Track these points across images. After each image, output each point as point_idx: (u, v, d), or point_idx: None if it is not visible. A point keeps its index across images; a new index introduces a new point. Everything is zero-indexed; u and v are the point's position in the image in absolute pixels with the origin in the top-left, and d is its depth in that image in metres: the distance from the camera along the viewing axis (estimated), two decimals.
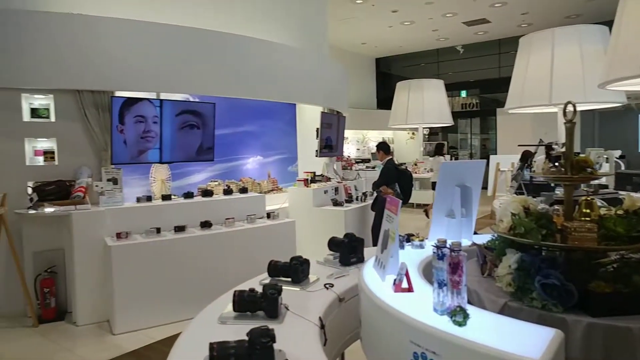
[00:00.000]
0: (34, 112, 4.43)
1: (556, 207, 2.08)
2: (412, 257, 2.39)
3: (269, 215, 5.08)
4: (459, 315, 1.48)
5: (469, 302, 1.63)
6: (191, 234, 4.41)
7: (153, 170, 5.13)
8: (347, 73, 7.95)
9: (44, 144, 4.50)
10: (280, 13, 6.99)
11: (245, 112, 6.21)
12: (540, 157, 3.92)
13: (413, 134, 14.17)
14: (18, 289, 4.19)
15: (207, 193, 5.02)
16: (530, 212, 2.00)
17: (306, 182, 6.17)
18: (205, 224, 4.58)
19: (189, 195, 4.90)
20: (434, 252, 1.62)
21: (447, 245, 1.59)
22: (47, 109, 4.46)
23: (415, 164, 11.07)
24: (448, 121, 10.03)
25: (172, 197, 4.81)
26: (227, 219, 4.72)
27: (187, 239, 4.33)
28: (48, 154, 4.48)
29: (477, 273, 2.27)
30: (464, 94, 15.36)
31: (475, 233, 2.81)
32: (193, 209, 4.73)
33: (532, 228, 1.89)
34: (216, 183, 5.64)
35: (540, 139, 4.91)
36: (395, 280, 1.87)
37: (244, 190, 5.35)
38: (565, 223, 1.88)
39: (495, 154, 12.85)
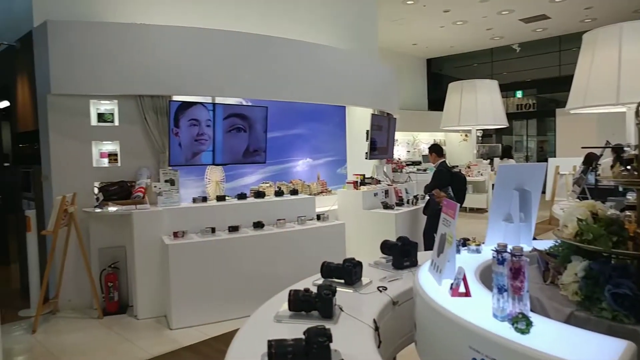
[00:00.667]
0: (100, 116, 4.70)
1: (627, 213, 1.96)
2: (468, 261, 2.33)
3: (319, 217, 5.12)
4: (521, 323, 1.42)
5: (531, 310, 1.57)
6: (244, 234, 4.52)
7: (208, 171, 5.30)
8: (398, 74, 7.87)
9: (109, 146, 4.76)
10: (330, 16, 7.03)
11: (296, 115, 6.29)
12: (606, 160, 3.70)
13: (466, 135, 13.79)
14: (86, 283, 4.45)
15: (259, 194, 5.12)
16: (599, 217, 1.90)
17: (356, 185, 6.16)
18: (258, 225, 4.68)
19: (242, 196, 5.02)
20: (493, 257, 1.57)
21: (508, 250, 1.54)
22: (112, 114, 4.72)
23: (469, 167, 10.76)
24: (502, 123, 9.69)
25: (226, 198, 4.96)
26: (278, 220, 4.79)
27: (240, 238, 4.44)
28: (112, 156, 4.74)
29: (538, 280, 2.17)
30: (519, 94, 14.77)
31: (534, 238, 2.70)
32: (246, 209, 4.84)
33: (601, 235, 1.78)
34: (267, 185, 5.74)
35: (607, 141, 4.63)
36: (452, 284, 1.83)
37: (294, 192, 5.41)
38: (639, 230, 1.77)
39: (554, 156, 12.26)
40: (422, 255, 2.85)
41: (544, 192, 3.64)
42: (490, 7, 10.10)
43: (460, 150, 13.94)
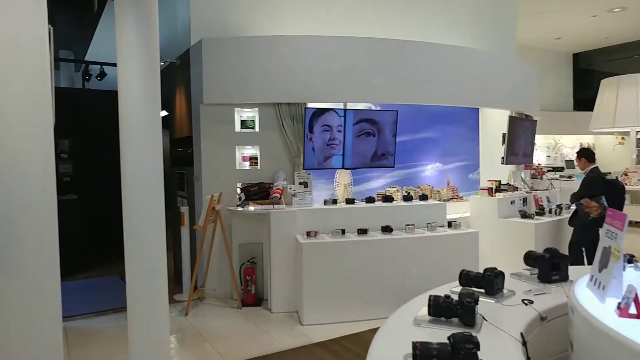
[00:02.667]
0: (243, 123, 5.13)
1: None
2: (637, 280, 2.04)
3: (450, 224, 4.93)
4: None
5: None
6: (373, 237, 4.54)
7: (337, 175, 5.46)
8: (539, 73, 7.24)
9: (250, 151, 5.16)
10: (466, 15, 6.75)
11: (425, 118, 6.14)
12: None
13: (622, 138, 12.12)
14: (227, 275, 4.89)
15: (387, 199, 5.11)
16: None
17: (490, 191, 5.80)
18: (386, 229, 4.67)
19: (370, 200, 5.06)
20: None
21: None
22: (253, 121, 5.12)
23: (625, 174, 9.44)
24: None
25: (355, 201, 5.04)
26: (407, 225, 4.73)
27: (369, 241, 4.47)
28: (252, 160, 5.14)
29: None
30: None
31: None
32: (374, 213, 4.86)
33: None
34: (394, 189, 5.70)
35: None
36: (620, 303, 1.61)
37: (423, 197, 5.29)
38: None
39: None
40: (575, 270, 2.59)
41: None
42: None
43: (615, 155, 12.26)
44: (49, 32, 2.20)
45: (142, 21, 2.94)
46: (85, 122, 6.92)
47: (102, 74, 7.13)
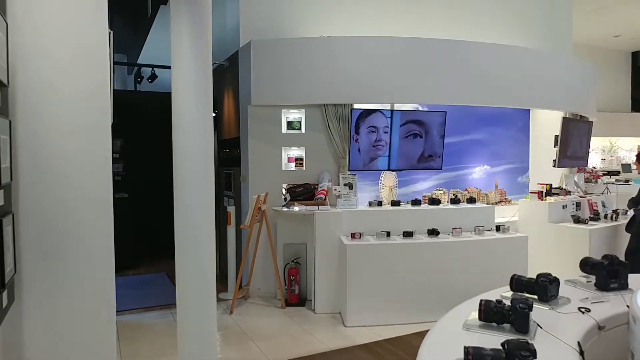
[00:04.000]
0: (289, 124, 5.20)
1: None
2: None
3: (498, 228, 4.79)
4: None
5: None
6: (418, 240, 4.49)
7: (382, 177, 5.42)
8: (595, 72, 6.92)
9: (295, 152, 5.22)
10: (518, 13, 6.56)
11: (473, 120, 6.00)
12: None
13: None
14: (272, 274, 4.96)
15: (433, 201, 5.03)
16: None
17: (540, 195, 5.60)
18: (433, 232, 4.60)
19: (416, 202, 5.00)
20: None
21: None
22: (299, 122, 5.18)
23: None
24: None
25: (400, 203, 4.99)
26: (454, 228, 4.64)
27: (414, 244, 4.42)
28: (298, 161, 5.20)
29: None
30: None
31: None
32: (420, 216, 4.80)
33: None
34: (441, 192, 5.60)
35: None
36: None
37: (471, 200, 5.17)
38: None
39: None
40: (632, 279, 2.47)
41: None
42: None
43: None
44: (109, 36, 2.31)
45: (196, 24, 3.04)
46: (136, 123, 7.13)
47: (152, 76, 7.37)
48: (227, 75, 5.88)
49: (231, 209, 5.38)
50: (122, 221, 6.29)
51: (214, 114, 6.47)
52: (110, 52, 2.43)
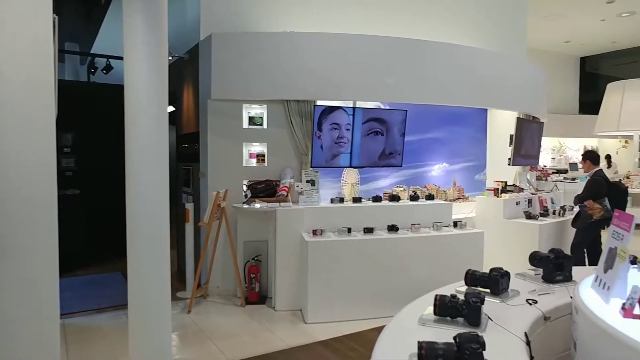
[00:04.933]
0: (251, 120, 5.13)
1: None
2: (639, 281, 2.04)
3: (455, 224, 4.92)
4: None
5: None
6: (379, 236, 4.54)
7: (344, 173, 5.45)
8: (546, 75, 7.21)
9: (257, 147, 5.16)
10: (476, 16, 6.73)
11: (433, 119, 6.13)
12: None
13: (626, 142, 12.08)
14: (232, 272, 4.89)
15: (394, 198, 5.11)
16: None
17: (496, 192, 5.79)
18: (392, 228, 4.67)
19: (377, 199, 5.06)
20: None
21: None
22: (261, 117, 5.12)
23: (627, 177, 9.43)
24: None
25: (362, 200, 5.04)
26: (413, 224, 4.72)
27: (375, 240, 4.47)
28: (260, 157, 5.14)
29: None
30: None
31: None
32: (381, 212, 4.86)
33: None
34: (401, 188, 5.69)
35: None
36: (624, 304, 1.61)
37: (430, 197, 5.29)
38: None
39: None
40: (578, 271, 2.60)
41: None
42: None
43: (619, 159, 12.25)
44: (54, 22, 2.17)
45: (150, 14, 2.89)
46: (89, 116, 6.83)
47: (108, 68, 7.08)
48: (187, 68, 5.74)
49: (190, 206, 5.27)
50: (73, 219, 6.08)
51: (172, 108, 6.38)
52: (55, 39, 2.29)
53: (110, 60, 7.00)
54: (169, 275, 3.17)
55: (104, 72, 7.22)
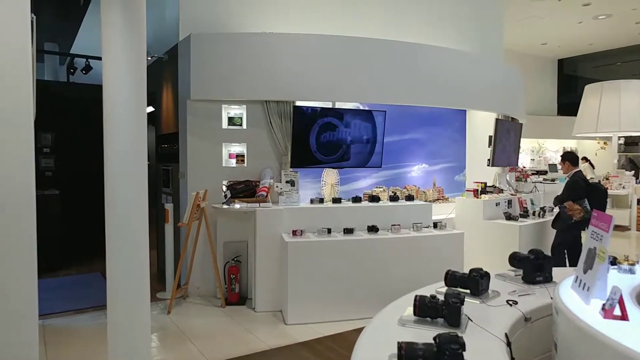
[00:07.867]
0: (230, 120, 5.08)
1: None
2: (620, 282, 2.06)
3: (435, 225, 4.94)
4: None
5: None
6: (359, 236, 4.53)
7: (324, 174, 5.44)
8: (525, 77, 7.33)
9: (237, 148, 5.11)
10: (453, 17, 6.79)
11: (412, 120, 6.16)
12: None
13: (605, 143, 12.35)
14: (211, 273, 4.83)
15: (373, 199, 5.11)
16: None
17: (476, 193, 5.85)
18: (372, 229, 4.66)
19: (357, 199, 5.05)
20: None
21: None
22: (241, 118, 5.07)
23: (607, 178, 9.64)
24: None
25: (341, 200, 5.02)
26: (393, 225, 4.73)
27: (355, 241, 4.46)
28: (239, 157, 5.09)
29: None
30: None
31: None
32: (361, 213, 4.85)
33: None
34: (381, 189, 5.71)
35: None
36: (604, 305, 1.63)
37: (410, 197, 5.30)
38: None
39: None
40: (558, 272, 2.63)
41: None
42: None
43: (598, 160, 12.51)
44: (32, 21, 2.13)
45: (129, 14, 2.86)
46: (69, 117, 6.79)
47: (87, 68, 6.98)
48: (166, 69, 5.65)
49: (169, 207, 5.18)
50: (52, 219, 5.96)
51: (151, 109, 6.28)
52: (33, 39, 2.24)
53: (89, 60, 6.89)
54: (148, 276, 3.11)
55: (84, 72, 7.10)
